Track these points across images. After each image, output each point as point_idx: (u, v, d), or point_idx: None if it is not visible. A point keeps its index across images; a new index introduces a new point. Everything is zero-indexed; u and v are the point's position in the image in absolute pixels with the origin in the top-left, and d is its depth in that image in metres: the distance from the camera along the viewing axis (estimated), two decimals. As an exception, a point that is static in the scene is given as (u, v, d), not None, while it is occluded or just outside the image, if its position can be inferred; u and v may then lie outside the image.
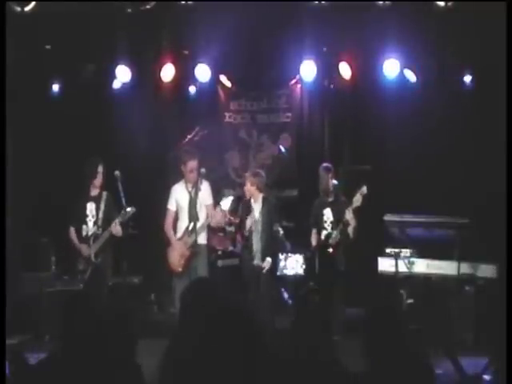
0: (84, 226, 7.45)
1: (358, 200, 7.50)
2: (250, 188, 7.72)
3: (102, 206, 7.45)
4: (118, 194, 7.24)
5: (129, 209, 7.24)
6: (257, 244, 7.76)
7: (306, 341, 3.28)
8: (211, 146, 9.74)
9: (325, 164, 7.99)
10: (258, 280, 7.71)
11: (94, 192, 7.51)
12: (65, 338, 3.48)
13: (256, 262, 7.72)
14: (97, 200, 7.48)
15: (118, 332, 3.37)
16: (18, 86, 8.00)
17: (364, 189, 7.50)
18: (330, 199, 7.84)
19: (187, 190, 7.46)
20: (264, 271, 7.62)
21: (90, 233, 7.43)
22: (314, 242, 7.92)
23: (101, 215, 7.44)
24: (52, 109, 9.25)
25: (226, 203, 7.54)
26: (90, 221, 7.46)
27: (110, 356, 3.32)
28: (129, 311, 7.08)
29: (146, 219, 7.98)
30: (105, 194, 7.50)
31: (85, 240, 7.42)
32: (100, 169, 7.44)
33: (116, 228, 7.27)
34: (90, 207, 7.47)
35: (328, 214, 7.80)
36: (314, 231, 7.93)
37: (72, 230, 7.49)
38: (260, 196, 7.79)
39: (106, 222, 7.39)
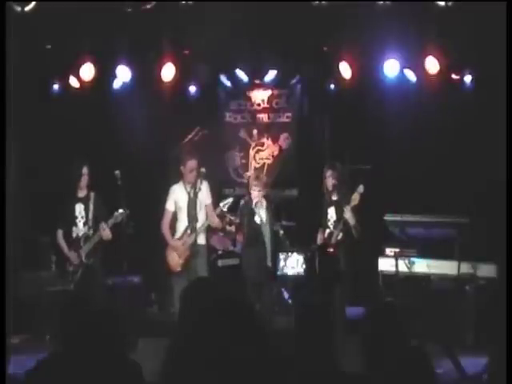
0: (74, 228, 7.46)
1: (355, 199, 7.49)
2: (257, 193, 7.77)
3: (91, 207, 7.44)
4: (114, 194, 7.25)
5: (121, 210, 7.23)
6: (268, 246, 7.81)
7: (306, 341, 3.28)
8: (211, 146, 9.76)
9: (328, 163, 7.99)
10: (262, 282, 7.73)
11: (82, 193, 7.50)
12: (61, 339, 3.48)
13: (263, 265, 7.75)
14: (85, 201, 7.47)
15: (112, 331, 3.37)
16: (17, 86, 7.99)
17: (361, 187, 7.50)
18: (334, 198, 7.84)
19: (186, 190, 7.46)
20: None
21: (80, 234, 7.44)
22: (319, 240, 7.93)
23: (90, 216, 7.43)
24: (52, 109, 9.25)
25: (226, 205, 7.54)
26: (80, 222, 7.46)
27: (108, 355, 3.32)
28: (121, 310, 7.12)
29: (146, 219, 7.99)
30: (92, 194, 7.50)
31: (75, 241, 7.43)
32: (85, 170, 7.41)
33: (105, 232, 7.26)
34: (79, 208, 7.47)
35: (331, 213, 7.80)
36: (320, 230, 7.95)
37: (60, 232, 7.50)
38: (262, 197, 7.82)
39: (96, 222, 7.40)
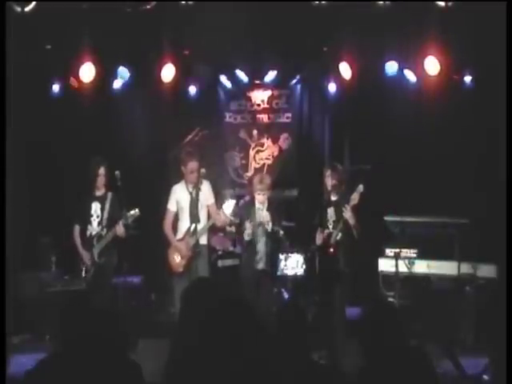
0: (89, 226, 7.46)
1: (355, 198, 7.47)
2: (262, 197, 7.73)
3: (107, 207, 7.45)
4: (120, 195, 7.25)
5: (132, 211, 7.24)
6: (263, 248, 7.77)
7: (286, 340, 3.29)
8: (211, 146, 9.77)
9: (328, 163, 7.98)
10: (260, 283, 7.72)
11: (99, 192, 7.51)
12: (64, 338, 3.49)
13: (261, 266, 7.71)
14: (101, 200, 7.49)
15: (112, 332, 3.37)
16: (18, 86, 7.99)
17: (361, 187, 7.49)
18: (334, 198, 7.83)
19: (188, 190, 7.45)
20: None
21: (93, 232, 7.43)
22: (318, 241, 7.91)
23: (105, 215, 7.44)
24: (52, 109, 9.25)
25: (229, 206, 7.51)
26: (95, 221, 7.46)
27: (108, 356, 3.32)
28: (121, 311, 7.13)
29: (146, 219, 7.99)
30: (110, 194, 7.50)
31: (89, 240, 7.43)
32: (102, 170, 7.40)
33: (120, 229, 7.27)
34: (95, 207, 7.48)
35: (331, 213, 7.78)
36: (318, 230, 7.92)
37: (77, 228, 7.50)
38: (266, 199, 7.80)
39: (111, 222, 7.39)
